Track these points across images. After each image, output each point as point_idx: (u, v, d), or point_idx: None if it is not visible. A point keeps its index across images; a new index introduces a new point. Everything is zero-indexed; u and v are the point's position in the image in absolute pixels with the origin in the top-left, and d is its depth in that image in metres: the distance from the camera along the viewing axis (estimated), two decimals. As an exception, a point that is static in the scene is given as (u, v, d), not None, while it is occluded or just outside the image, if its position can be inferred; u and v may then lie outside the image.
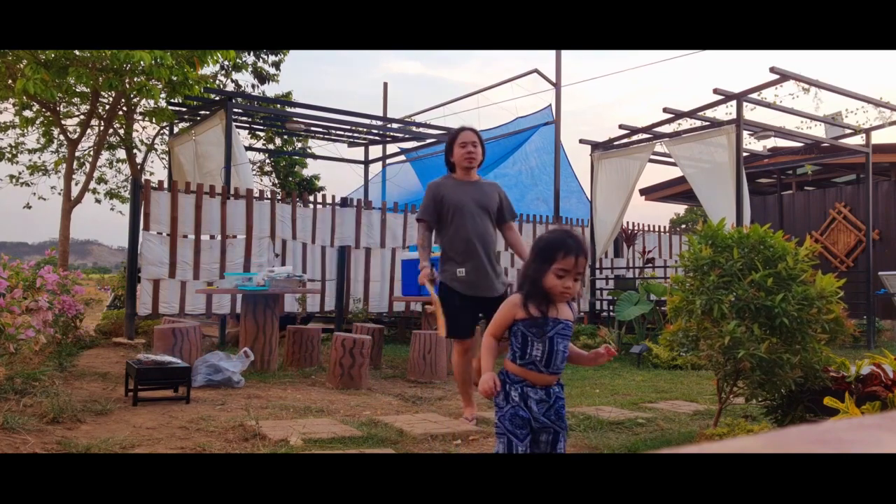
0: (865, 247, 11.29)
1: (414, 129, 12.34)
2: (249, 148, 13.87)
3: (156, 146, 12.39)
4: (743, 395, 3.73)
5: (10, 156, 12.10)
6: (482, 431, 4.06)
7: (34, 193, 13.87)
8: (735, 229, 3.74)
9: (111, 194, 13.33)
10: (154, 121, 9.80)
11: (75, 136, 10.47)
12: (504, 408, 2.36)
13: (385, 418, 4.34)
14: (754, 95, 8.95)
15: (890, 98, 10.02)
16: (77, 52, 7.85)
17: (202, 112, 10.23)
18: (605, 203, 10.65)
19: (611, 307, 10.28)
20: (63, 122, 10.41)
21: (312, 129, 12.17)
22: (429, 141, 12.42)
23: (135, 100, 9.98)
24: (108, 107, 9.98)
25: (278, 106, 12.35)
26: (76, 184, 11.04)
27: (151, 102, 9.14)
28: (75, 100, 9.90)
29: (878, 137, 10.99)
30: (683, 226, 23.21)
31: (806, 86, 8.92)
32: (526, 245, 3.86)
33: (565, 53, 12.09)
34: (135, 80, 8.26)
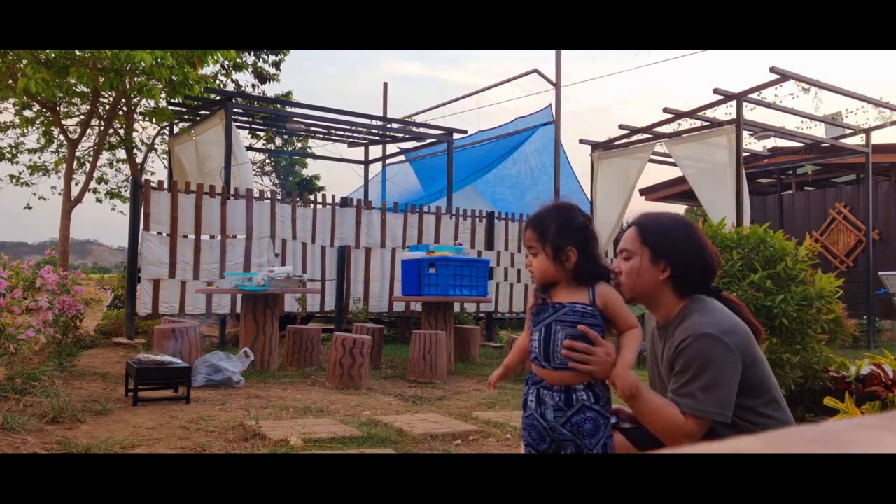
0: (865, 247, 11.29)
1: (414, 129, 12.34)
2: (250, 148, 13.88)
3: (156, 146, 12.39)
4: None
5: (10, 156, 12.10)
6: (482, 431, 4.06)
7: (34, 193, 13.85)
8: (735, 230, 3.74)
9: (111, 194, 13.33)
10: (154, 121, 9.81)
11: (75, 136, 10.46)
12: (524, 414, 2.06)
13: (385, 418, 4.34)
14: (754, 95, 8.95)
15: (890, 98, 10.02)
16: (77, 52, 7.85)
17: (202, 112, 10.23)
18: (605, 203, 10.65)
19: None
20: (63, 122, 10.40)
21: (312, 129, 12.17)
22: (429, 141, 12.42)
23: (135, 100, 9.98)
24: (108, 107, 9.98)
25: (278, 106, 12.35)
26: (76, 184, 11.04)
27: (152, 102, 9.14)
28: (75, 100, 9.90)
29: (878, 137, 10.99)
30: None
31: (806, 86, 8.92)
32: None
33: (565, 54, 12.09)
34: (135, 80, 8.27)
